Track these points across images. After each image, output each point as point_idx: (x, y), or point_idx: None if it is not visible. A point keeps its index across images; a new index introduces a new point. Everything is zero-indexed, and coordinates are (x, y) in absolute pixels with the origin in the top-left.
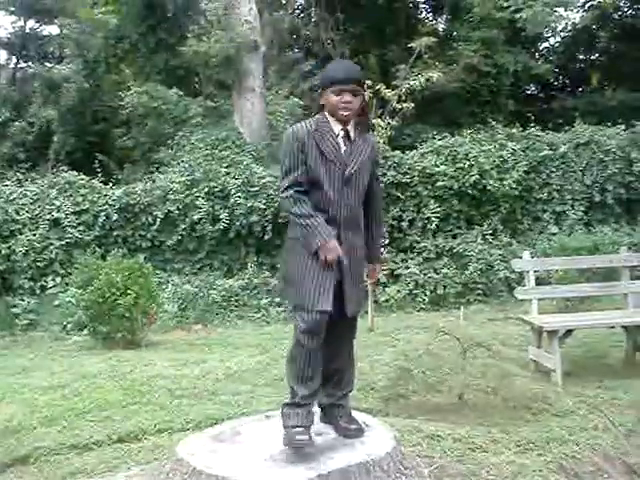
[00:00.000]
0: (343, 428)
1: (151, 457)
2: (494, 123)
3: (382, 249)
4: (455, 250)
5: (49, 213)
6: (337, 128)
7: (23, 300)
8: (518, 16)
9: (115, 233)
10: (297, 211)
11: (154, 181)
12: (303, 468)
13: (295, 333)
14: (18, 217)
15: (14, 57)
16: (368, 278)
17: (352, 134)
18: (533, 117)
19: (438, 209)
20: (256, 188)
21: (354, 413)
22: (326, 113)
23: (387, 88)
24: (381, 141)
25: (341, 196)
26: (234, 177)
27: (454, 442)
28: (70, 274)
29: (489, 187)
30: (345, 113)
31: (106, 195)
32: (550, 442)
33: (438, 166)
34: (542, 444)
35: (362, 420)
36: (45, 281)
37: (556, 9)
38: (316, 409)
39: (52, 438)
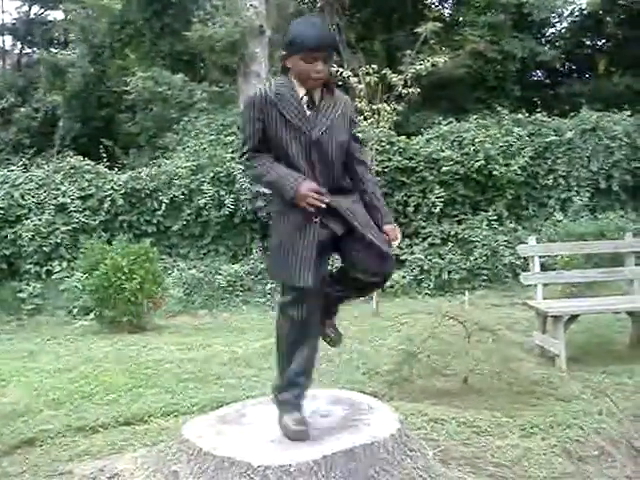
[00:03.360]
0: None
1: (157, 439)
2: (500, 109)
3: (387, 212)
4: (460, 235)
5: (55, 198)
6: (301, 92)
7: (29, 285)
8: (525, 1)
9: (121, 218)
10: (257, 168)
11: (159, 166)
12: (308, 449)
13: (280, 308)
14: (24, 202)
15: (19, 43)
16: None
17: (316, 98)
18: (539, 103)
19: (443, 194)
20: None
21: (359, 396)
22: (291, 77)
23: (393, 73)
24: (386, 126)
25: (312, 163)
26: (239, 162)
27: (459, 426)
28: (76, 259)
29: (495, 173)
30: (316, 83)
31: (112, 180)
32: (554, 426)
33: (444, 151)
34: (546, 428)
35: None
36: (51, 266)
37: None
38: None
39: (59, 421)
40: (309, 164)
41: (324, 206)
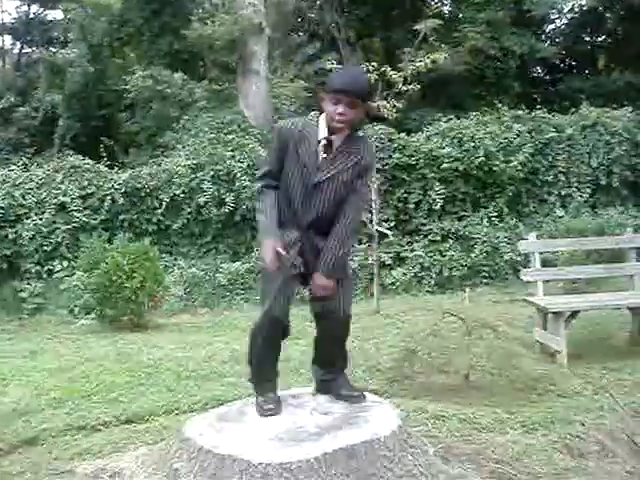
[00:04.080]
0: (345, 395)
1: (158, 437)
2: (500, 105)
3: (331, 264)
4: (461, 232)
5: (55, 197)
6: (322, 134)
7: (30, 284)
8: None
9: (121, 217)
10: (258, 205)
11: (159, 165)
12: (308, 446)
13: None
14: (24, 202)
15: (18, 42)
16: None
17: (337, 143)
18: (539, 99)
19: (444, 191)
20: None
21: None
22: (322, 116)
23: (393, 70)
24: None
25: (307, 201)
26: (239, 160)
27: (459, 422)
28: (76, 258)
29: (495, 169)
30: (338, 125)
31: (112, 179)
32: (555, 422)
33: (444, 148)
34: (547, 424)
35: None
36: (52, 265)
37: None
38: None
39: (60, 419)
40: (305, 200)
41: (275, 265)
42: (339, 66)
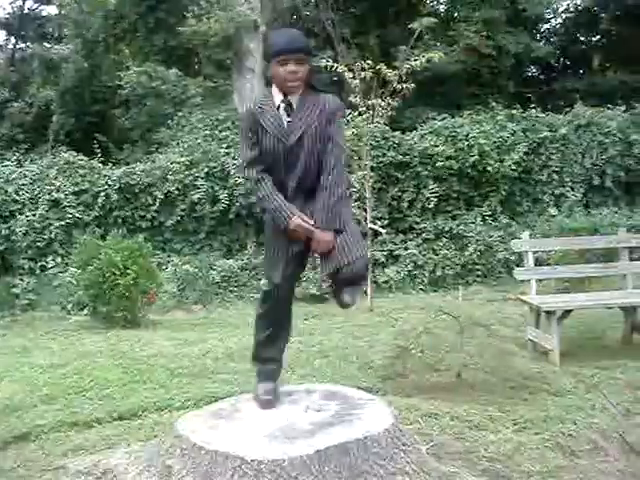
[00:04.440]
0: (340, 298)
1: (151, 434)
2: (494, 104)
3: (325, 216)
4: (454, 231)
5: (49, 193)
6: (278, 100)
7: (23, 280)
8: None
9: (115, 213)
10: (259, 194)
11: (154, 161)
12: (301, 444)
13: (260, 295)
14: (18, 197)
15: (12, 37)
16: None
17: (295, 102)
18: (534, 98)
19: (438, 190)
20: None
21: (353, 391)
22: (273, 86)
23: (388, 68)
24: (381, 121)
25: (287, 166)
26: (233, 157)
27: (452, 420)
28: (70, 254)
29: (489, 168)
30: (291, 84)
31: (106, 175)
32: (547, 421)
33: (438, 147)
34: (539, 423)
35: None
36: (45, 261)
37: None
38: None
39: (52, 416)
40: (286, 169)
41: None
42: (332, 63)
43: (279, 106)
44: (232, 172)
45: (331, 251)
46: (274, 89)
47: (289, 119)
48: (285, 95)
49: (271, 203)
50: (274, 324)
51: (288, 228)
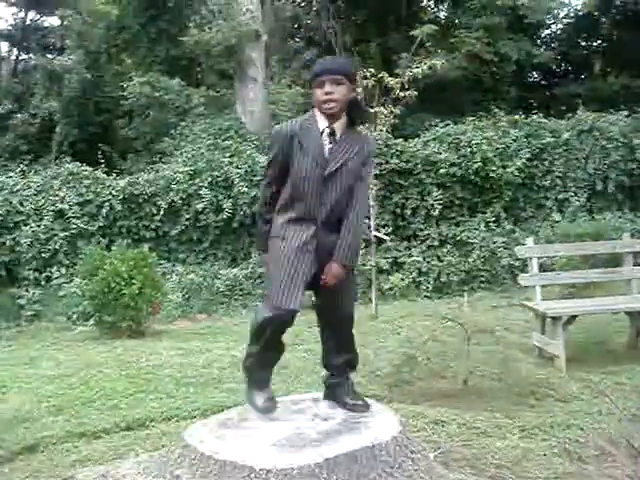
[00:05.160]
0: (350, 404)
1: (159, 444)
2: (497, 110)
3: (347, 253)
4: (458, 238)
5: (53, 204)
6: (322, 125)
7: (28, 291)
8: (520, 3)
9: (119, 223)
10: (258, 210)
11: (157, 171)
12: (309, 452)
13: (257, 318)
14: (22, 208)
15: (15, 49)
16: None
17: (339, 131)
18: (536, 104)
19: (441, 197)
20: (259, 177)
21: None
22: (315, 109)
23: (390, 76)
24: (384, 129)
25: (320, 195)
26: (237, 166)
27: (459, 427)
28: (75, 265)
29: (492, 174)
30: (327, 105)
31: (110, 186)
32: (554, 427)
33: (441, 153)
34: (546, 429)
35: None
36: (50, 272)
37: None
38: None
39: (60, 426)
40: (317, 195)
41: None
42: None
43: (323, 131)
44: (236, 181)
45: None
46: (317, 113)
47: (330, 146)
48: (330, 122)
49: (259, 227)
50: (268, 351)
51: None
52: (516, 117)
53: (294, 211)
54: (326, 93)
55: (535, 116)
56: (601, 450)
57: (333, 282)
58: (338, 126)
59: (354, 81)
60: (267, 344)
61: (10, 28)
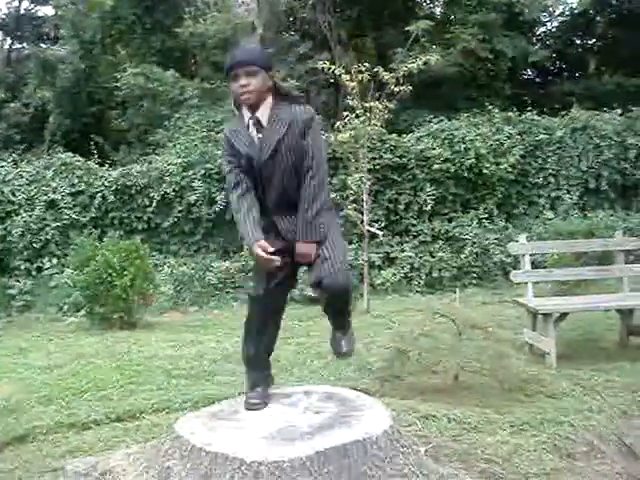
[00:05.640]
0: (337, 344)
1: (149, 436)
2: (491, 107)
3: (305, 229)
4: (451, 234)
5: (45, 194)
6: (246, 117)
7: (19, 281)
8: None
9: (111, 215)
10: (236, 215)
11: (150, 163)
12: (301, 445)
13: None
14: (14, 198)
15: (9, 38)
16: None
17: (264, 118)
18: (530, 101)
19: (434, 192)
20: None
21: (352, 392)
22: (241, 106)
23: (385, 71)
24: (378, 124)
25: (265, 183)
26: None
27: (449, 422)
28: (66, 255)
29: (485, 171)
30: (244, 97)
31: (102, 176)
32: (544, 423)
33: (435, 149)
34: (536, 425)
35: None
36: (41, 262)
37: None
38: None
39: (50, 417)
40: (263, 186)
41: (274, 263)
42: (328, 65)
43: (248, 124)
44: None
45: (313, 262)
46: (243, 108)
47: (259, 135)
48: (253, 112)
49: (241, 226)
50: (258, 331)
51: (251, 251)
52: (510, 114)
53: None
54: (241, 86)
55: (529, 113)
56: (591, 447)
57: (304, 260)
58: (262, 113)
59: (270, 68)
60: (261, 322)
61: (4, 17)
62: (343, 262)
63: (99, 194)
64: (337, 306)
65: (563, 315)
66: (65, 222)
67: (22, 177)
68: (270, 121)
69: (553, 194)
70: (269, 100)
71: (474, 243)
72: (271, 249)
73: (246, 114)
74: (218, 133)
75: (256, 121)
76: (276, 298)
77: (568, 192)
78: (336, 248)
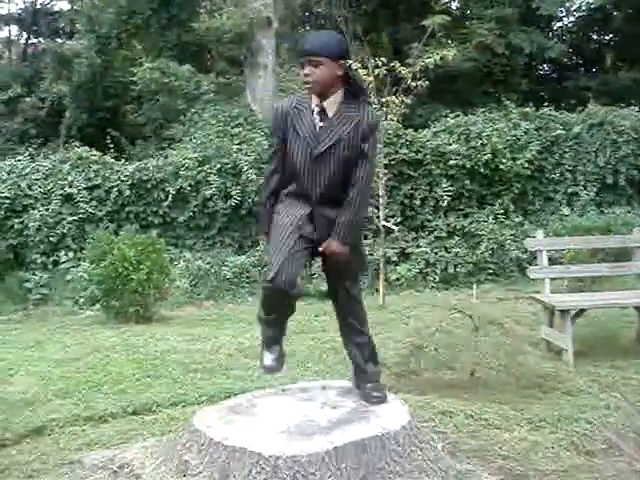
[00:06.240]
0: (366, 394)
1: (166, 429)
2: (507, 102)
3: (345, 231)
4: (466, 229)
5: (61, 188)
6: (314, 103)
7: (35, 275)
8: None
9: (127, 209)
10: (262, 194)
11: (166, 157)
12: (319, 440)
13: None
14: (31, 192)
15: (25, 33)
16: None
17: (331, 109)
18: (546, 97)
19: (450, 188)
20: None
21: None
22: None
23: (402, 66)
24: (395, 119)
25: (312, 173)
26: (246, 154)
27: (466, 418)
28: (82, 249)
29: (501, 166)
30: (306, 87)
31: (118, 171)
32: (561, 420)
33: (451, 145)
34: (554, 422)
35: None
36: (57, 256)
37: None
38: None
39: (67, 410)
40: (310, 173)
41: None
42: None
43: (313, 110)
44: (245, 168)
45: (338, 262)
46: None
47: (322, 124)
48: (321, 100)
49: (261, 210)
50: (278, 311)
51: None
52: (527, 109)
53: (292, 188)
54: (305, 75)
55: (546, 109)
56: (609, 444)
57: (334, 258)
58: (329, 104)
59: (341, 58)
60: (272, 309)
61: (20, 12)
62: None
63: (115, 188)
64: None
65: (580, 312)
66: (81, 216)
67: (38, 171)
68: (337, 114)
69: (570, 190)
70: (339, 92)
71: (490, 239)
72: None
73: (314, 99)
74: (234, 128)
75: (321, 109)
76: (294, 281)
77: (585, 188)
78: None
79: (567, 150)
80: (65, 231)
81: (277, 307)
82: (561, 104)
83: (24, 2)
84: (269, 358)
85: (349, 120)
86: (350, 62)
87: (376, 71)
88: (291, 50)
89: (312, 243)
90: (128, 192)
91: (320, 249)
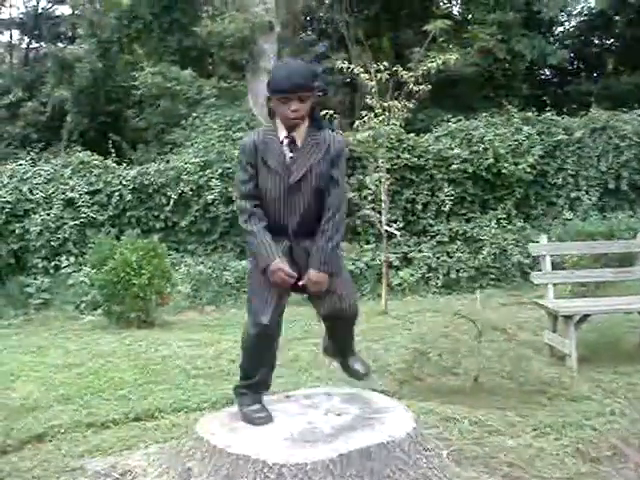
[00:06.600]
0: (353, 370)
1: (168, 436)
2: (509, 107)
3: (323, 260)
4: (469, 234)
5: (63, 193)
6: (282, 135)
7: (37, 279)
8: None
9: (129, 213)
10: (247, 227)
11: (168, 162)
12: (323, 448)
13: (246, 329)
14: (32, 197)
15: (27, 37)
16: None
17: (300, 139)
18: (548, 101)
19: (452, 192)
20: None
21: (374, 394)
22: (277, 119)
23: (403, 71)
24: (397, 123)
25: (288, 205)
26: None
27: (471, 425)
28: (84, 254)
29: (504, 171)
30: (295, 122)
31: (120, 175)
32: (566, 426)
33: (453, 149)
34: (558, 428)
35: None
36: (59, 261)
37: None
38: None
39: (69, 416)
40: (286, 205)
41: (290, 282)
42: (347, 65)
43: (282, 141)
44: None
45: (323, 293)
46: (278, 122)
47: (291, 155)
48: (289, 131)
49: (257, 239)
50: (263, 355)
51: (269, 269)
52: (529, 114)
53: (265, 223)
54: (293, 111)
55: (548, 113)
56: (614, 450)
57: (316, 289)
58: (299, 134)
59: (315, 89)
60: (258, 356)
61: (22, 16)
62: (354, 297)
63: (117, 193)
64: (346, 330)
65: (584, 317)
66: (83, 220)
67: (40, 175)
68: (305, 144)
69: (572, 195)
70: (306, 121)
71: (492, 244)
72: (288, 269)
73: (281, 131)
74: (235, 132)
75: (292, 140)
76: (279, 325)
77: (587, 193)
78: (347, 282)
79: (569, 155)
80: (67, 236)
81: (262, 353)
82: (563, 109)
83: (26, 6)
84: (256, 411)
85: (318, 148)
86: (352, 67)
87: (378, 75)
88: (292, 54)
89: (293, 279)
90: (130, 197)
91: (300, 283)
